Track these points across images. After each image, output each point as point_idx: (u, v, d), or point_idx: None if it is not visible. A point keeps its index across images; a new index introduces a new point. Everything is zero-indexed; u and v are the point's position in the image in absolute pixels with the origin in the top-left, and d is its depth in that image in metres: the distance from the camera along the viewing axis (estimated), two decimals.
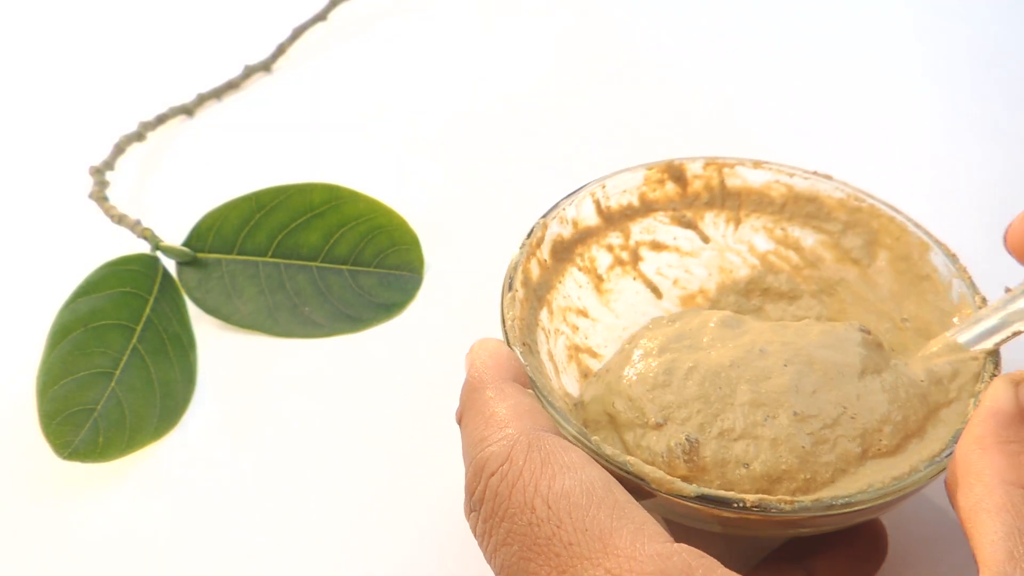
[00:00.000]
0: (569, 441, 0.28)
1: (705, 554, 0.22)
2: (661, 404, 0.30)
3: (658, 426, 0.29)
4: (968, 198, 0.47)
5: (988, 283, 0.32)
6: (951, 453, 0.26)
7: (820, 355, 0.30)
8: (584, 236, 0.36)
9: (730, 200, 0.37)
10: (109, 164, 0.48)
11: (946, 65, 0.56)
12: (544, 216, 0.35)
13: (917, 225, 0.34)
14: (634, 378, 0.31)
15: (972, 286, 0.32)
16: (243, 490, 0.35)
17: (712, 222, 0.38)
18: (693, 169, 0.37)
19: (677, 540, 0.22)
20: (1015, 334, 0.29)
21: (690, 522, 0.28)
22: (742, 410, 0.29)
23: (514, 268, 0.33)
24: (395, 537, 0.33)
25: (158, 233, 0.43)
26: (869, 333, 0.31)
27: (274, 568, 0.32)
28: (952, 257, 0.33)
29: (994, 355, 0.29)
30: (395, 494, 0.34)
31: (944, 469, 0.26)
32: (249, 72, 0.56)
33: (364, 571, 0.32)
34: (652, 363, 0.31)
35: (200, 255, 0.42)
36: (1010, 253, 0.29)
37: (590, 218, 0.36)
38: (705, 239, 0.38)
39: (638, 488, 0.27)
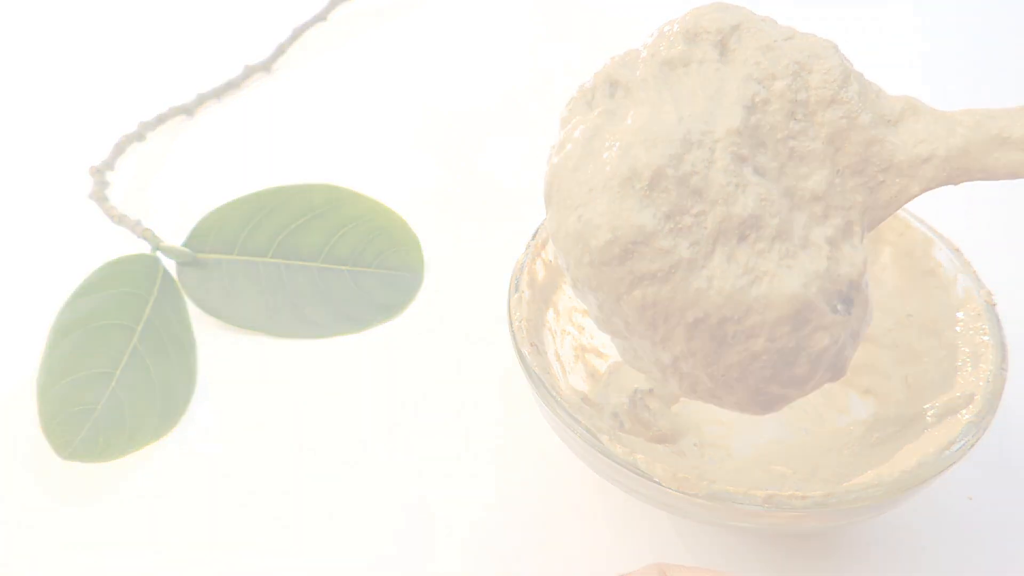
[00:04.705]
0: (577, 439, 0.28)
1: None
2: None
3: None
4: (970, 193, 0.46)
5: (992, 277, 0.32)
6: (961, 447, 0.26)
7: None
8: None
9: None
10: (109, 164, 0.48)
11: (946, 63, 0.56)
12: None
13: (920, 220, 0.34)
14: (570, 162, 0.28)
15: (977, 280, 0.31)
16: (243, 490, 0.35)
17: None
18: None
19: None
20: None
21: (697, 519, 0.28)
22: None
23: (520, 269, 0.33)
24: (395, 536, 0.33)
25: (158, 233, 0.43)
26: None
27: (274, 568, 0.32)
28: (956, 252, 0.33)
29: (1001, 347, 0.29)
30: (395, 494, 0.34)
31: (954, 463, 0.26)
32: (249, 72, 0.56)
33: (364, 570, 0.32)
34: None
35: (200, 255, 0.42)
36: None
37: None
38: None
39: (647, 486, 0.27)
